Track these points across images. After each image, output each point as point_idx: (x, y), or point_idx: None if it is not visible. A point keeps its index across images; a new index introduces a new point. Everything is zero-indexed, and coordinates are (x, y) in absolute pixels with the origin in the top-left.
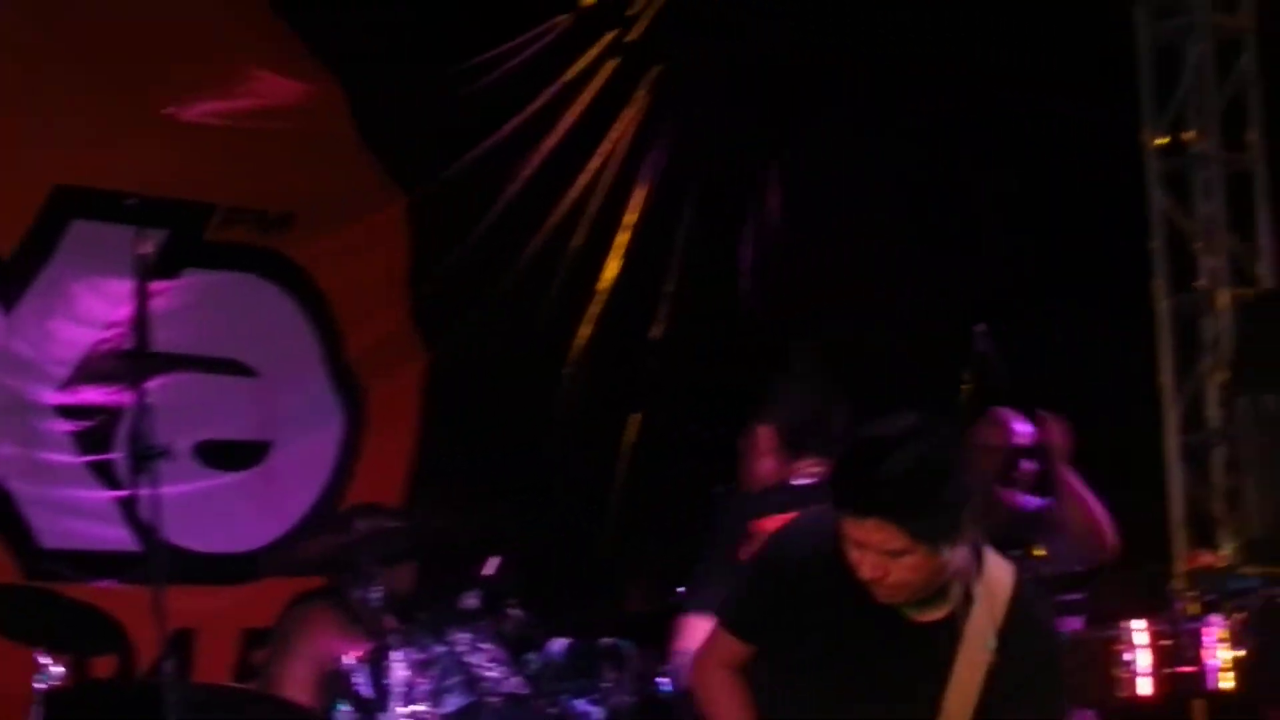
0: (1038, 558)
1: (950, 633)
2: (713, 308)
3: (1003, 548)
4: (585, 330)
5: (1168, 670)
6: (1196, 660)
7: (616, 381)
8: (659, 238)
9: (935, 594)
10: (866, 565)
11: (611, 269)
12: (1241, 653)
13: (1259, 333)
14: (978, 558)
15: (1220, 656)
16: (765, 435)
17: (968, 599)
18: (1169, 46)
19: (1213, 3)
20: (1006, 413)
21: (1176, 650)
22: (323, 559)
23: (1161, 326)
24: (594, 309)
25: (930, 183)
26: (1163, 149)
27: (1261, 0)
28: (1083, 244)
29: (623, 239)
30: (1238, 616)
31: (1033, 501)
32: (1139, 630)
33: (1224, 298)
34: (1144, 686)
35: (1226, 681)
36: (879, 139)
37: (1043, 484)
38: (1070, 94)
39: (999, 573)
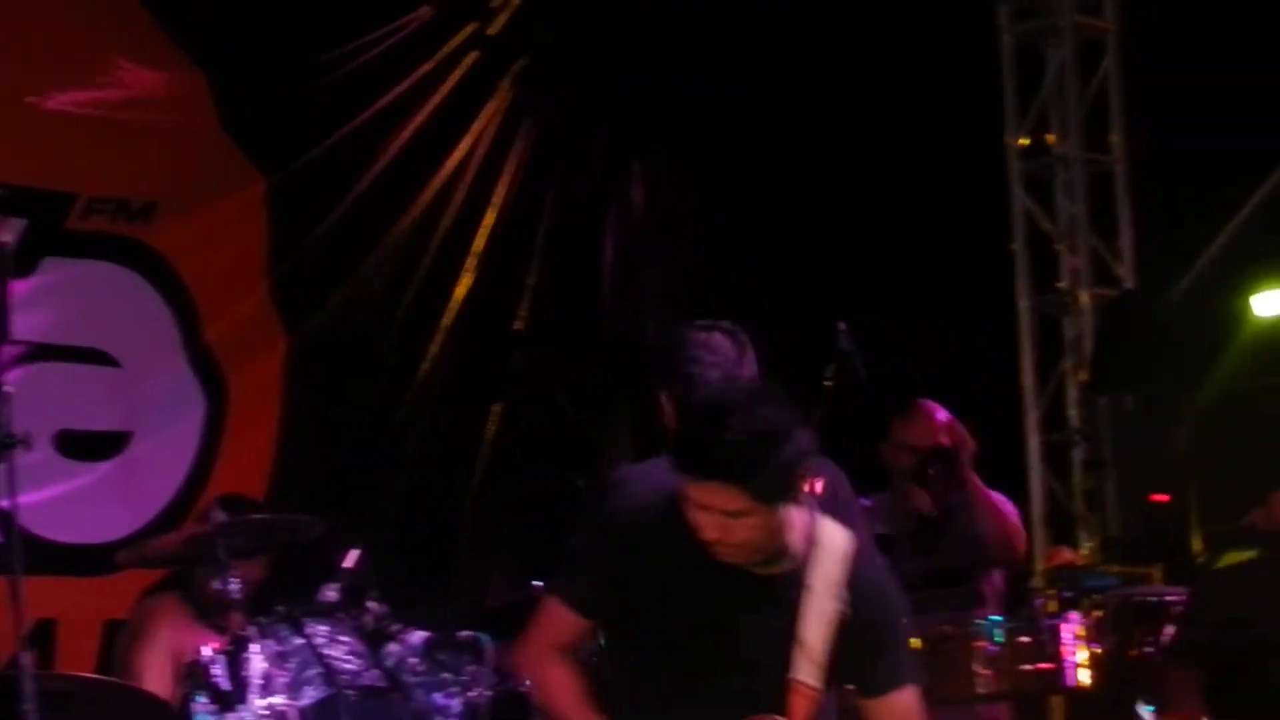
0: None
1: (795, 586)
2: (575, 300)
3: (910, 551)
4: (447, 321)
5: (1026, 667)
6: (1055, 657)
7: (478, 373)
8: (522, 230)
9: (776, 552)
10: (709, 527)
11: (474, 261)
12: (1099, 649)
13: (1119, 333)
14: (813, 518)
15: (1078, 653)
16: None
17: (809, 556)
18: (1031, 47)
19: (1075, 4)
20: (933, 405)
21: (1035, 647)
22: (179, 551)
23: (1022, 326)
24: (456, 300)
25: (792, 179)
26: (1025, 150)
27: (1123, 2)
28: (947, 243)
29: (486, 230)
30: (1095, 614)
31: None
32: (998, 627)
33: (1085, 298)
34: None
35: (1084, 678)
36: (741, 134)
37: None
38: (934, 93)
39: (835, 532)
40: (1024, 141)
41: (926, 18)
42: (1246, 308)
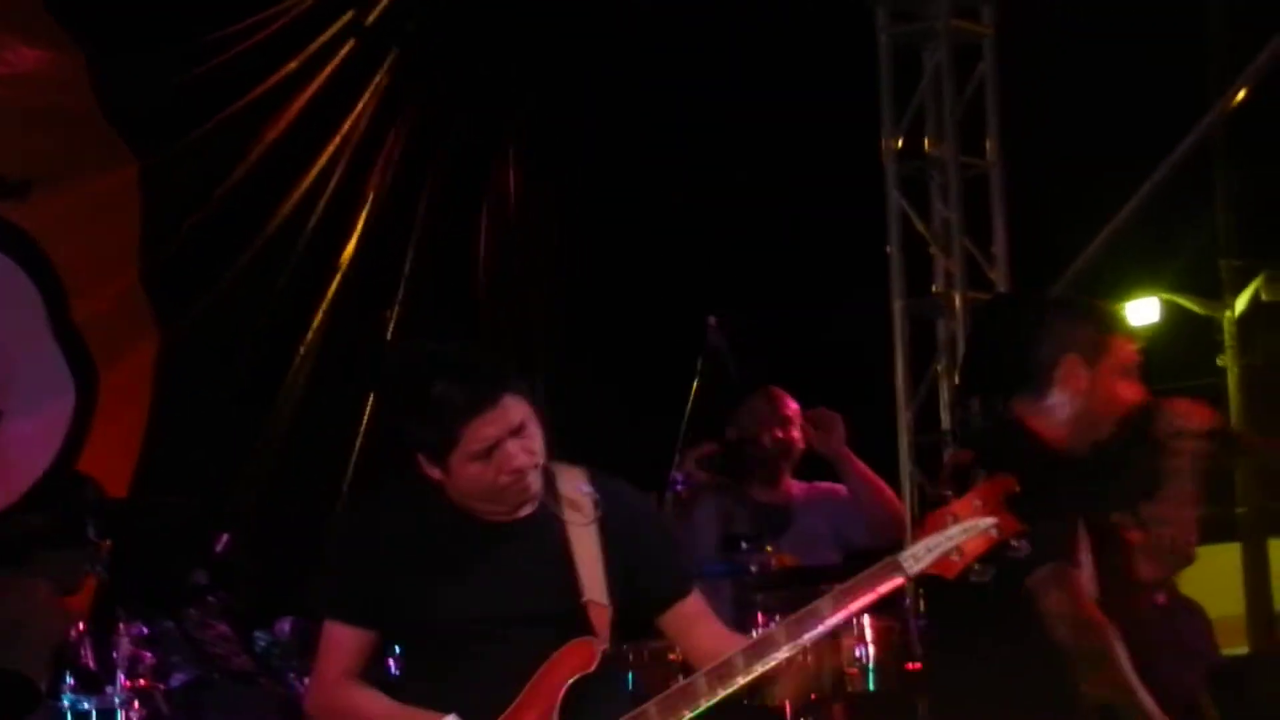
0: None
1: (550, 518)
2: (451, 288)
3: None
4: (322, 309)
5: (896, 666)
6: (925, 658)
7: (353, 360)
8: (398, 218)
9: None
10: (522, 452)
11: (351, 249)
12: None
13: (991, 336)
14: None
15: None
16: None
17: (550, 486)
18: (909, 50)
19: (952, 8)
20: (780, 391)
21: (906, 646)
22: (42, 532)
23: (896, 328)
24: (332, 287)
25: (667, 174)
26: (900, 152)
27: (1001, 6)
28: (822, 243)
29: (361, 219)
30: None
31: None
32: (866, 626)
33: (958, 301)
34: (873, 682)
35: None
36: (616, 126)
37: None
38: (811, 93)
39: (564, 465)
40: (899, 144)
41: (804, 17)
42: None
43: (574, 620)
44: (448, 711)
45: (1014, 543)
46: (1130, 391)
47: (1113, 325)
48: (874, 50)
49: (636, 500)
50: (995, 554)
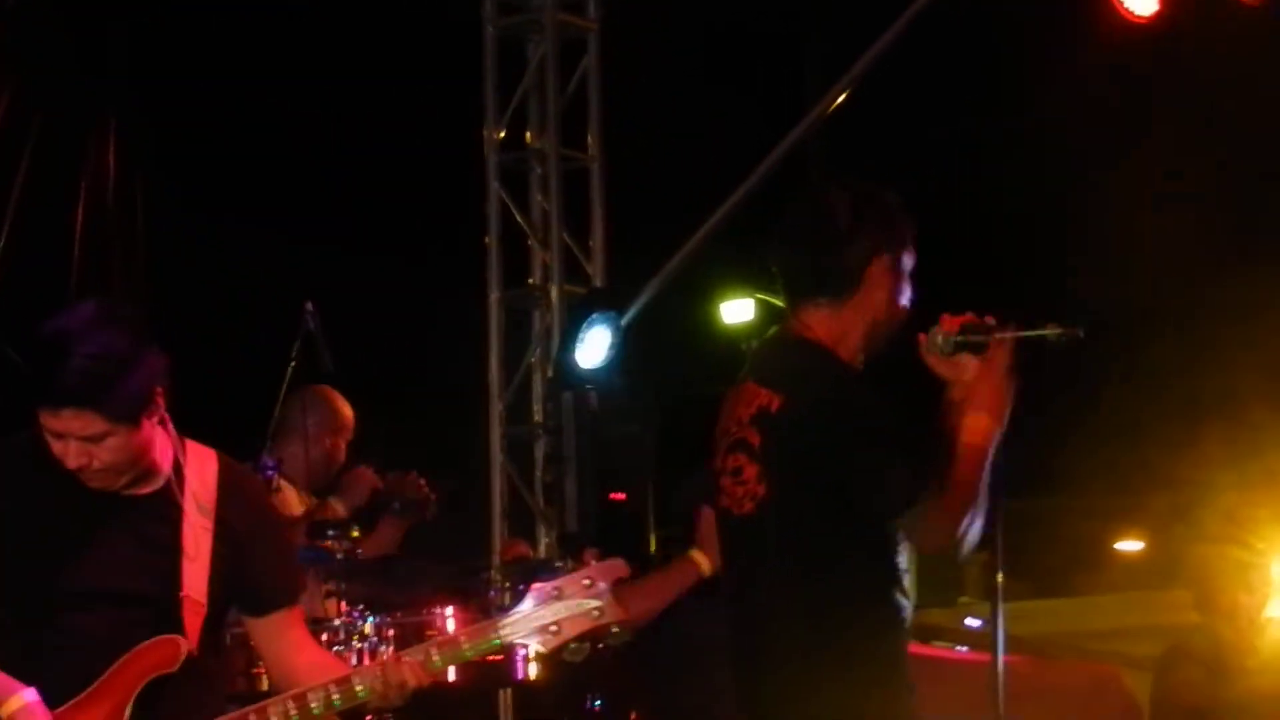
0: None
1: (169, 504)
2: (44, 267)
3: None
4: None
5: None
6: (505, 650)
7: None
8: None
9: (145, 471)
10: (71, 455)
11: None
12: None
13: (585, 330)
14: (177, 436)
15: (529, 648)
16: None
17: (178, 471)
18: (513, 41)
19: (558, 2)
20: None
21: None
22: None
23: (491, 319)
24: None
25: (266, 155)
26: (502, 143)
27: (606, 1)
28: (422, 232)
29: None
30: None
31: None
32: (448, 617)
33: (555, 294)
34: (451, 674)
35: (533, 672)
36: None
37: None
38: (415, 82)
39: (200, 450)
40: (501, 135)
41: (410, 5)
42: (715, 313)
43: (167, 611)
44: (31, 682)
45: (615, 629)
46: (905, 298)
47: (909, 221)
48: (479, 41)
49: (260, 501)
50: (594, 636)
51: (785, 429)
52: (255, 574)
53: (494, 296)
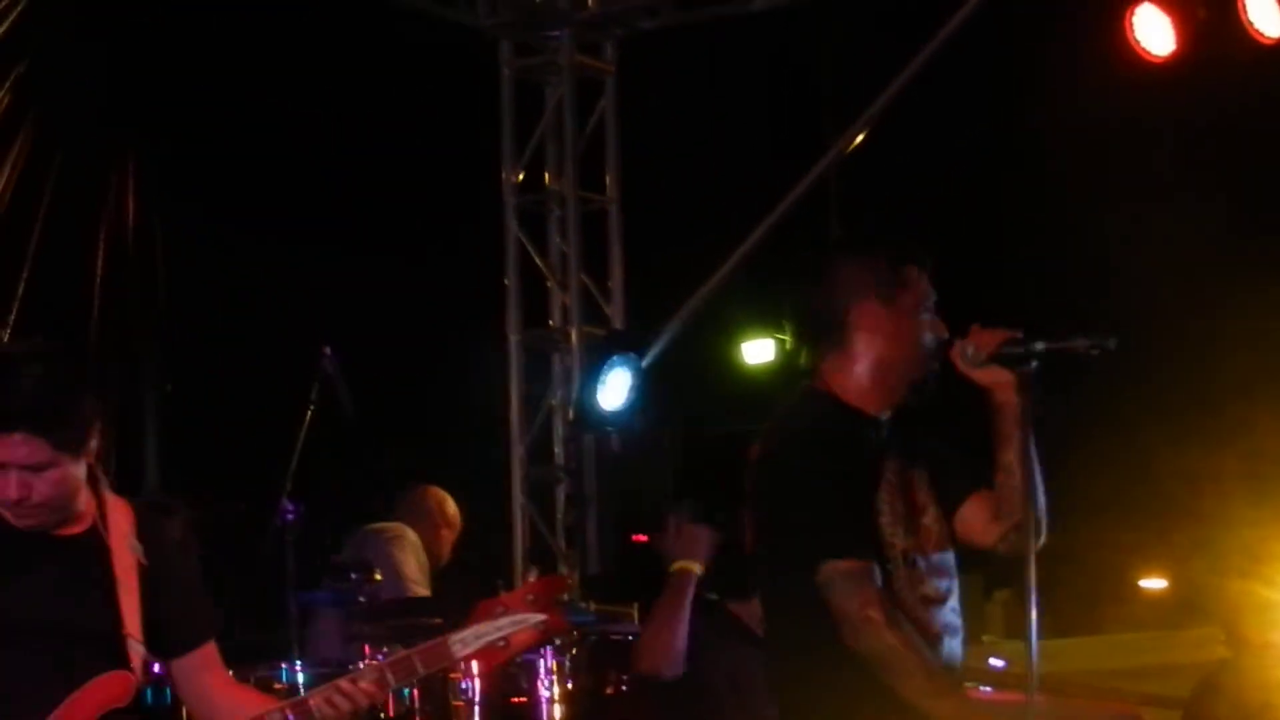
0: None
1: (97, 543)
2: (66, 310)
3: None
4: None
5: (502, 700)
6: (529, 692)
7: None
8: (15, 236)
9: (75, 510)
10: (11, 486)
11: None
12: (572, 686)
13: (605, 371)
14: (96, 475)
15: (553, 689)
16: None
17: (101, 510)
18: (532, 84)
19: (575, 44)
20: None
21: (510, 681)
22: None
23: (512, 360)
24: None
25: (287, 199)
26: (520, 185)
27: (623, 44)
28: (442, 274)
29: None
30: (572, 651)
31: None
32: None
33: (574, 335)
34: (478, 716)
35: (557, 714)
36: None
37: None
38: (435, 124)
39: (114, 498)
40: (519, 178)
41: (429, 49)
42: (736, 353)
43: (111, 647)
44: None
45: (558, 641)
46: (934, 327)
47: (907, 256)
48: (497, 83)
49: (173, 538)
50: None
51: (752, 478)
52: (174, 609)
53: (514, 339)
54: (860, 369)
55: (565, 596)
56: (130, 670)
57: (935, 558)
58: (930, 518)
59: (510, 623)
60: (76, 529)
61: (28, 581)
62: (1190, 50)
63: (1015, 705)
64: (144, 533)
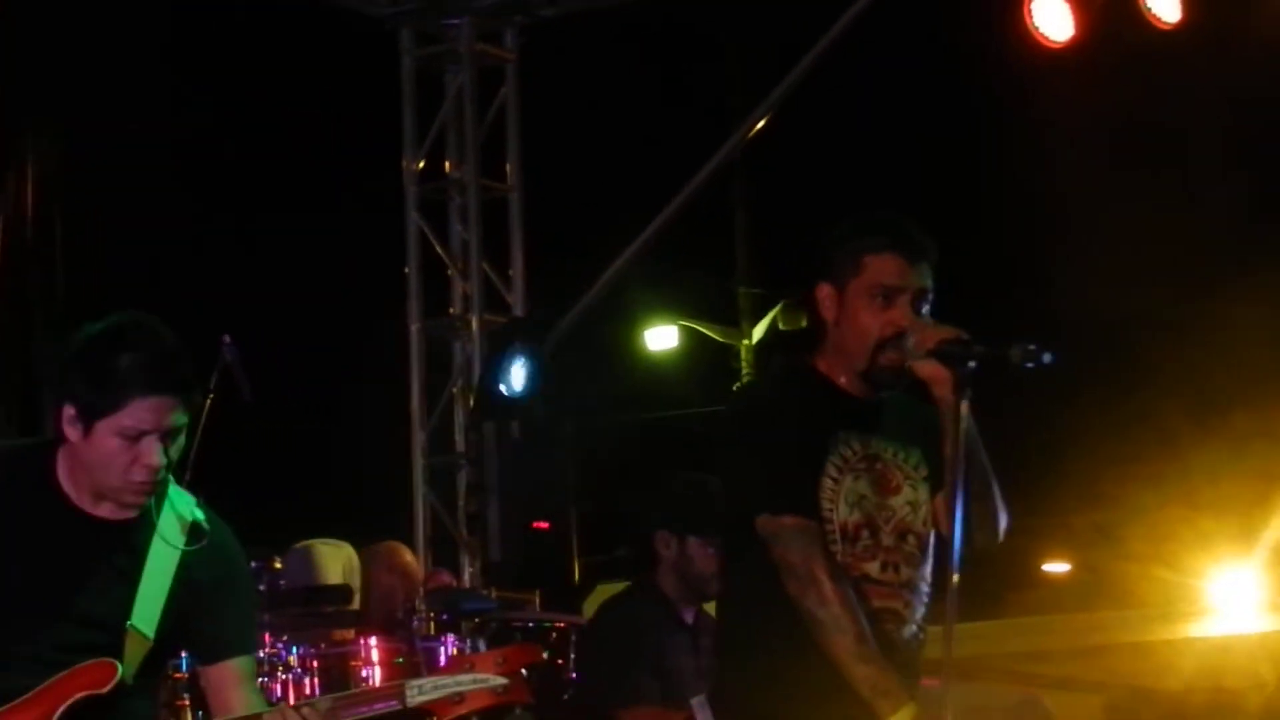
0: None
1: (143, 531)
2: None
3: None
4: None
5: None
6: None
7: None
8: None
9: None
10: (156, 454)
11: None
12: None
13: (506, 359)
14: None
15: None
16: None
17: (160, 500)
18: (432, 73)
19: (476, 32)
20: None
21: (412, 667)
22: None
23: (413, 349)
24: None
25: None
26: (421, 174)
27: (524, 32)
28: (342, 262)
29: None
30: (475, 637)
31: None
32: (373, 648)
33: (475, 324)
34: None
35: None
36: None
37: None
38: (334, 113)
39: (182, 491)
40: (420, 165)
41: (328, 37)
42: (639, 341)
43: (107, 635)
44: None
45: (518, 711)
46: (873, 316)
47: (871, 242)
48: (398, 72)
49: (232, 553)
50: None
51: (715, 432)
52: (210, 616)
53: (414, 326)
54: (828, 346)
55: (524, 673)
56: (119, 661)
57: (890, 540)
58: (902, 500)
59: (471, 680)
60: (125, 516)
61: (65, 564)
62: (1089, 36)
63: (928, 689)
64: (200, 531)
